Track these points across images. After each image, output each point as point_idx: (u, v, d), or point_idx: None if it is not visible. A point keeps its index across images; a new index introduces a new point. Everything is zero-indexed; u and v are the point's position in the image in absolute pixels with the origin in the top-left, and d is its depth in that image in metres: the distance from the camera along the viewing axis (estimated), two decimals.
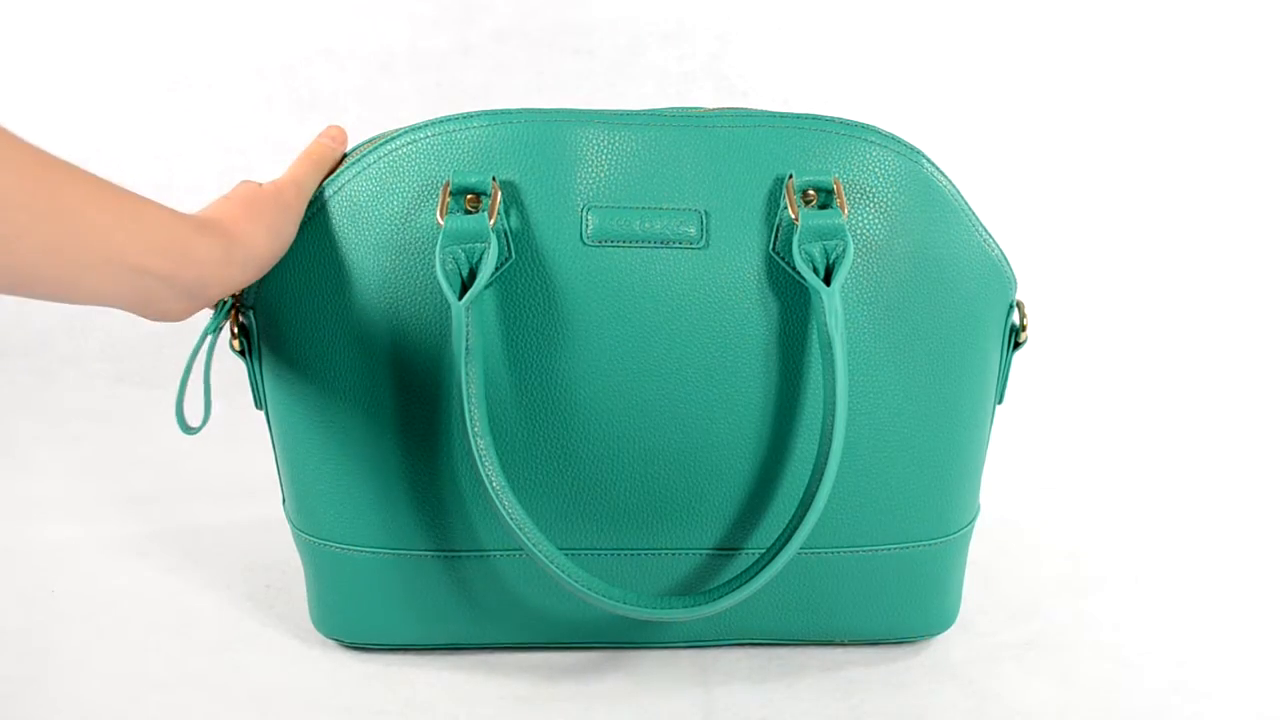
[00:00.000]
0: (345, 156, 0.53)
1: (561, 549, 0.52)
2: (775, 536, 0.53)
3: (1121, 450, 0.94)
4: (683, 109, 0.53)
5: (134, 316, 0.55)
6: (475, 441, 0.48)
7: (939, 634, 0.60)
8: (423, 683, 0.56)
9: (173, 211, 0.44)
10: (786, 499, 0.53)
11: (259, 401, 0.56)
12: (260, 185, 0.50)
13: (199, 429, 0.53)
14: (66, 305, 1.13)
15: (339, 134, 0.55)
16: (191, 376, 0.50)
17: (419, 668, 0.57)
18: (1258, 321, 1.16)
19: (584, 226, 0.51)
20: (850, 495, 0.54)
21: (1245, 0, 1.18)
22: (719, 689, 0.56)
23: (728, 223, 0.51)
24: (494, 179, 0.50)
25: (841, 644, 0.59)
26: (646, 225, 0.51)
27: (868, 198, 0.52)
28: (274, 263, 0.50)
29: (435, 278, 0.50)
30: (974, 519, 0.59)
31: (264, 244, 0.48)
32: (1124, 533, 0.77)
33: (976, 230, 0.53)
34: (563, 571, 0.49)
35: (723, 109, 0.53)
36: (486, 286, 0.50)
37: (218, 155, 1.22)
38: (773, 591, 0.55)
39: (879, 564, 0.56)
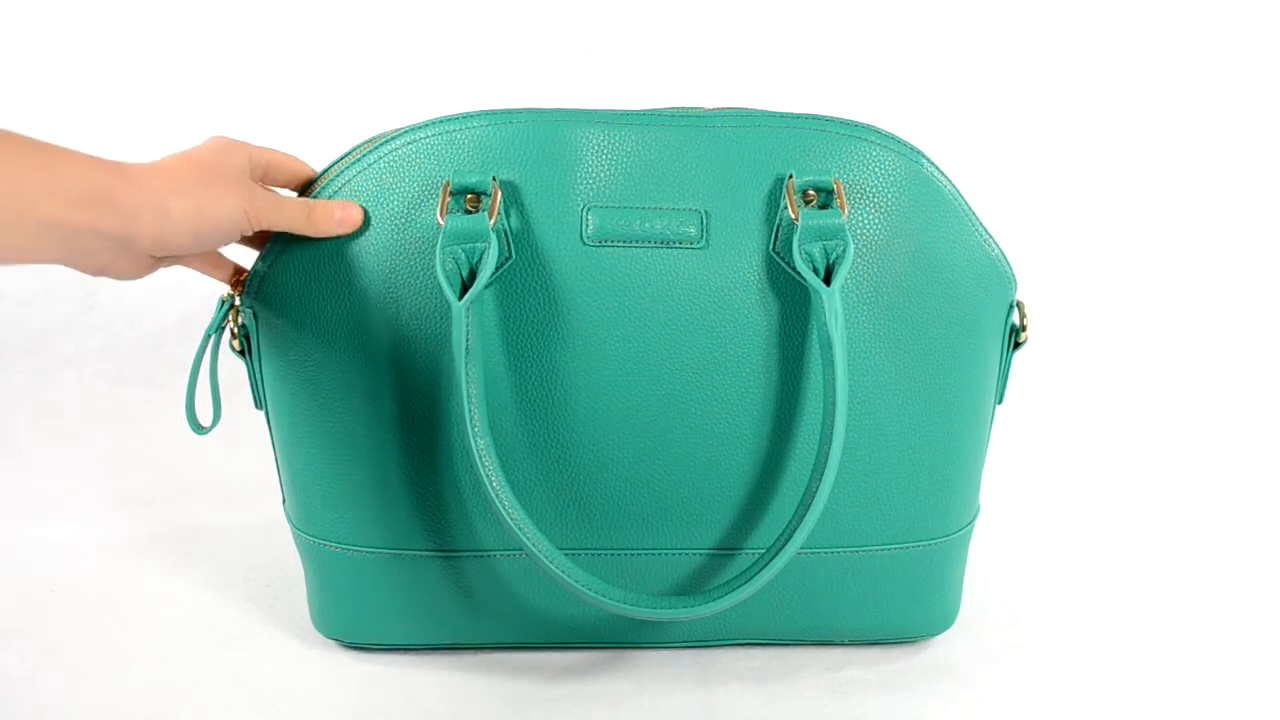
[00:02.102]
0: (345, 157, 0.53)
1: (561, 549, 0.52)
2: (775, 536, 0.53)
3: (1121, 450, 0.94)
4: (683, 109, 0.53)
5: (133, 316, 0.55)
6: (475, 441, 0.48)
7: (939, 634, 0.60)
8: (423, 683, 0.56)
9: (94, 160, 0.42)
10: (786, 499, 0.53)
11: (259, 401, 0.56)
12: (229, 145, 0.47)
13: (210, 429, 0.53)
14: (66, 304, 1.13)
15: (353, 215, 0.51)
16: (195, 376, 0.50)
17: (419, 668, 0.57)
18: (1257, 321, 1.16)
19: (584, 226, 0.51)
20: (850, 495, 0.54)
21: (1245, 0, 1.18)
22: (719, 689, 0.56)
23: (728, 223, 0.51)
24: (494, 179, 0.50)
25: (841, 644, 0.59)
26: (646, 225, 0.51)
27: (868, 198, 0.52)
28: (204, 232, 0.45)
29: (435, 278, 0.50)
30: (974, 519, 0.59)
31: (216, 209, 0.45)
32: (1124, 533, 0.77)
33: (976, 230, 0.53)
34: (562, 571, 0.49)
35: (723, 109, 0.53)
36: (486, 286, 0.50)
37: None
38: (773, 591, 0.55)
39: (879, 564, 0.56)
